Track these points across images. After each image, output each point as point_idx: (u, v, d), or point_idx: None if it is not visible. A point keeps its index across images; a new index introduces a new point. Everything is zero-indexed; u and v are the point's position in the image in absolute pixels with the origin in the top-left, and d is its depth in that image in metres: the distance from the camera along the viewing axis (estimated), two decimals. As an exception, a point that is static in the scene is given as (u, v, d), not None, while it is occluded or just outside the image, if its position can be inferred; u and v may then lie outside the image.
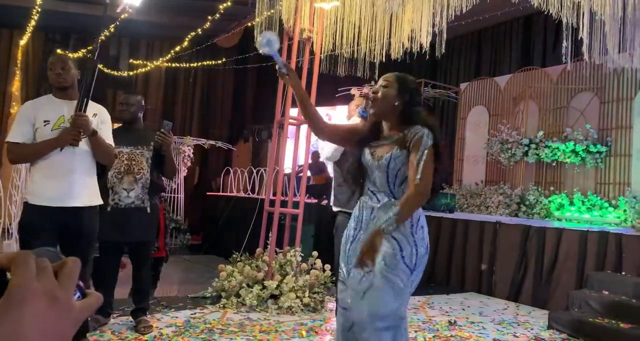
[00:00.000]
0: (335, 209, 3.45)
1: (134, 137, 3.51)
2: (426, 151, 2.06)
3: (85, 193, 2.81)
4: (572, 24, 4.32)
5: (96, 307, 0.50)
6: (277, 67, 2.25)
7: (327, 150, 3.41)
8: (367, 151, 2.23)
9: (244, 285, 4.45)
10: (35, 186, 2.77)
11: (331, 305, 4.55)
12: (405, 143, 2.11)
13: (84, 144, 2.79)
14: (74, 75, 2.88)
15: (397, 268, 2.03)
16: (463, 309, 4.86)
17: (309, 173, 5.29)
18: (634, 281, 4.27)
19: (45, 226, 2.70)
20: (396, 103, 2.17)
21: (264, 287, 4.40)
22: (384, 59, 5.65)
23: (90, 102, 2.87)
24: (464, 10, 4.70)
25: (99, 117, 2.93)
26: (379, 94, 2.19)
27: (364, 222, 2.18)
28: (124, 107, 3.59)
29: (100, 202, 2.95)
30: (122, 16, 8.16)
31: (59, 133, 2.72)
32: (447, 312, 4.68)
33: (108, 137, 2.95)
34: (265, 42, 2.16)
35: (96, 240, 3.00)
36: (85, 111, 2.73)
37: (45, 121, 2.76)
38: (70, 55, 10.31)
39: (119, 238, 3.46)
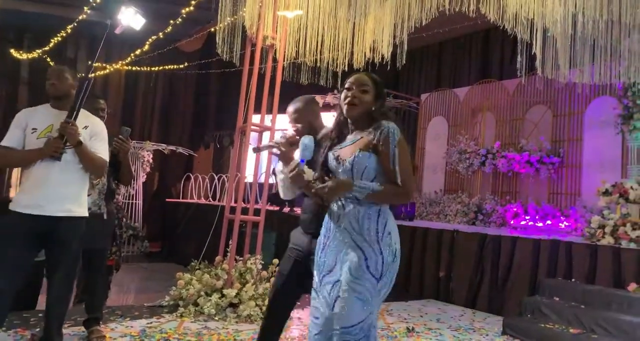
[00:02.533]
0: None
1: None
2: (396, 149, 2.06)
3: (60, 203, 2.76)
4: (526, 39, 4.49)
5: None
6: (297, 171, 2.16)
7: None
8: (331, 156, 2.20)
9: (202, 293, 4.39)
10: (17, 193, 2.85)
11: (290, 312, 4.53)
12: (371, 143, 2.09)
13: (67, 155, 2.78)
14: (70, 85, 2.90)
15: (362, 278, 2.02)
16: (421, 316, 4.93)
17: (271, 181, 5.28)
18: (583, 288, 4.44)
19: (18, 232, 2.73)
20: (373, 108, 2.17)
21: (223, 295, 4.34)
22: (346, 68, 5.71)
23: (85, 113, 2.90)
24: (424, 22, 4.82)
25: (91, 129, 2.89)
26: (360, 99, 2.15)
27: (332, 229, 2.15)
28: (102, 113, 3.53)
29: (83, 213, 2.87)
30: (80, 17, 7.96)
31: (44, 142, 2.75)
32: (405, 319, 4.74)
33: (99, 150, 2.90)
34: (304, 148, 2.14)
35: (79, 251, 2.91)
36: (75, 120, 2.77)
37: (33, 128, 2.81)
38: (25, 55, 10.00)
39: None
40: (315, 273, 2.22)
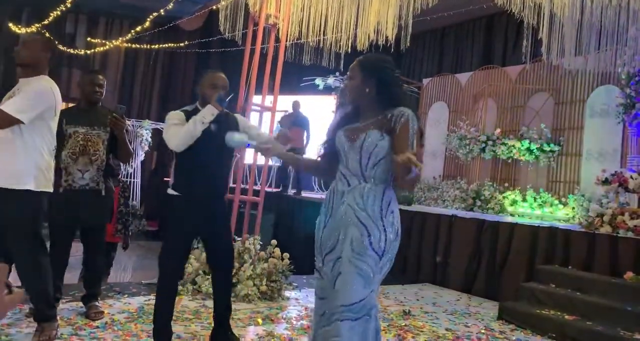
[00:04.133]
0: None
1: (91, 117, 3.38)
2: (415, 135, 2.05)
3: None
4: (532, 24, 4.44)
5: (20, 301, 0.62)
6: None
7: (172, 141, 2.86)
8: (341, 134, 2.19)
9: (200, 272, 4.39)
10: None
11: (288, 293, 4.56)
12: (388, 125, 2.06)
13: None
14: (29, 55, 2.82)
15: (365, 255, 2.00)
16: (417, 299, 4.96)
17: (271, 163, 5.27)
18: (579, 275, 4.46)
19: None
20: (367, 90, 2.15)
21: (221, 275, 4.35)
22: (349, 50, 5.65)
23: (44, 78, 2.79)
24: (429, 5, 4.76)
25: (17, 89, 2.80)
26: (347, 86, 2.24)
27: (334, 207, 2.14)
28: (99, 89, 3.46)
29: (22, 186, 2.70)
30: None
31: None
32: (401, 302, 4.76)
33: (10, 104, 2.67)
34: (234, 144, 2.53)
35: (20, 228, 2.78)
36: None
37: None
38: (24, 30, 9.86)
39: (71, 221, 3.34)
40: (316, 253, 2.21)
